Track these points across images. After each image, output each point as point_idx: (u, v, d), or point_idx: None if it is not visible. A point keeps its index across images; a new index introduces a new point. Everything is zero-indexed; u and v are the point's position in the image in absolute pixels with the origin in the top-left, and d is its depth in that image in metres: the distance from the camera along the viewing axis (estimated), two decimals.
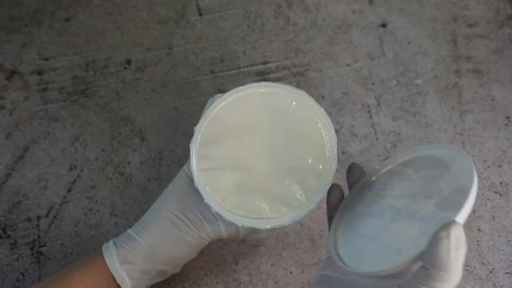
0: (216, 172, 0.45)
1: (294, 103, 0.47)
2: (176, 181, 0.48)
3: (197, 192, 0.46)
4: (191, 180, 0.46)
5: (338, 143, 0.61)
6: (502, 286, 0.52)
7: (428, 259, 0.32)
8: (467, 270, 0.54)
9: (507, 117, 0.62)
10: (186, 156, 0.61)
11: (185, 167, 0.48)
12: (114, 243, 0.47)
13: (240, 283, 0.53)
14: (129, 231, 0.47)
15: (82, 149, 0.62)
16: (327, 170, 0.45)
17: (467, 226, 0.56)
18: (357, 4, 0.71)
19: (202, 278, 0.53)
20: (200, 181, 0.45)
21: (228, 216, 0.44)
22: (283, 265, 0.54)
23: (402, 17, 0.70)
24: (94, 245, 0.56)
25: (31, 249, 0.56)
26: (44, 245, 0.56)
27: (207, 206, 0.45)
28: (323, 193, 0.45)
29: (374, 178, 0.44)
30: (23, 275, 0.54)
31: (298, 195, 0.45)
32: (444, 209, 0.34)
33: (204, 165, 0.46)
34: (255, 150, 0.46)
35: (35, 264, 0.55)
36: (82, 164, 0.61)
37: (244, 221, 0.44)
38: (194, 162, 0.45)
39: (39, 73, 0.67)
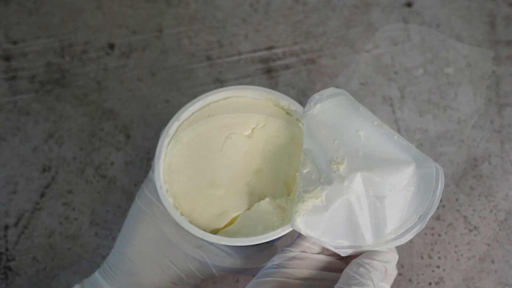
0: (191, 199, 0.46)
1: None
2: (143, 206, 0.48)
3: (174, 221, 0.46)
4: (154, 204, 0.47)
5: None
6: None
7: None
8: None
9: None
10: None
11: (144, 188, 0.48)
12: None
13: None
14: (100, 279, 0.47)
15: (57, 147, 0.62)
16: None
17: None
18: None
19: None
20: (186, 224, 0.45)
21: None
22: None
23: None
24: (71, 259, 0.56)
25: None
26: (13, 259, 0.56)
27: (178, 247, 0.46)
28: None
29: None
30: None
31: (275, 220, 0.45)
32: None
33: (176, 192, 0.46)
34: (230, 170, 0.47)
35: (2, 281, 0.55)
36: (57, 165, 0.61)
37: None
38: (166, 202, 0.45)
39: (7, 58, 0.67)
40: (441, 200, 0.58)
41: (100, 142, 0.62)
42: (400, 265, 0.55)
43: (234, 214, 0.45)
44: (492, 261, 0.55)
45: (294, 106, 0.48)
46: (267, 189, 0.46)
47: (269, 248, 0.48)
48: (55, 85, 0.65)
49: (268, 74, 0.66)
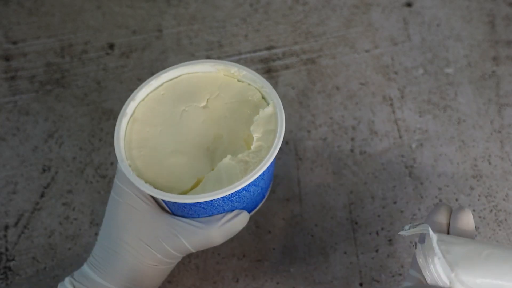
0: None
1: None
2: (116, 196, 0.48)
3: (145, 205, 0.47)
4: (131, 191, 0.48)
5: (354, 141, 0.61)
6: None
7: None
8: None
9: None
10: None
11: (116, 180, 0.49)
12: (73, 286, 0.48)
13: None
14: (88, 271, 0.48)
15: (57, 147, 0.62)
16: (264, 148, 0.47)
17: None
18: None
19: None
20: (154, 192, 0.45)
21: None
22: (290, 283, 0.54)
23: None
24: (71, 259, 0.56)
25: None
26: (13, 259, 0.56)
27: (151, 230, 0.46)
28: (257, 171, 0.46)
29: None
30: None
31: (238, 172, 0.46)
32: None
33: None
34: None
35: (2, 281, 0.55)
36: (57, 165, 0.61)
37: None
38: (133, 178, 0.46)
39: (7, 58, 0.67)
40: (440, 200, 0.58)
41: (100, 142, 0.62)
42: (400, 265, 0.55)
43: (199, 176, 0.46)
44: None
45: (244, 71, 0.50)
46: (228, 150, 0.48)
47: (238, 215, 0.48)
48: (55, 85, 0.66)
49: (268, 74, 0.66)
